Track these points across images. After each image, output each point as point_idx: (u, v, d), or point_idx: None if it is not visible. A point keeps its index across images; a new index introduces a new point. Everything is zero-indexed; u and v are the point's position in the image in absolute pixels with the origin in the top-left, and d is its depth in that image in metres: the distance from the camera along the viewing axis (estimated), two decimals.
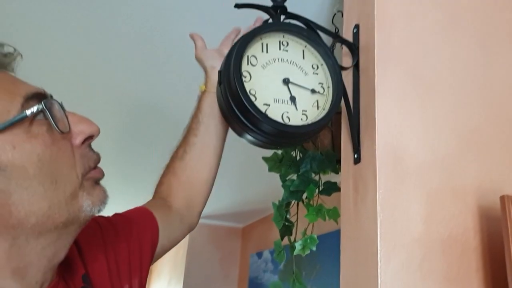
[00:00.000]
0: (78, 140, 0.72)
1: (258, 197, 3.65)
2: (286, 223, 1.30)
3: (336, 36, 1.10)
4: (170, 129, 2.18)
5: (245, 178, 3.26)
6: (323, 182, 1.25)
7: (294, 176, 1.27)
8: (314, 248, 1.18)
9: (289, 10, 1.04)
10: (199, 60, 1.15)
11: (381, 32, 1.04)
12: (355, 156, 1.01)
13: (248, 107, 0.89)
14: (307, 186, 1.20)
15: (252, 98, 0.92)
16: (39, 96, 0.69)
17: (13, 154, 0.63)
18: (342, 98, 1.02)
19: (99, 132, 0.74)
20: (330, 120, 0.98)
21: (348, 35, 1.15)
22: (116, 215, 1.02)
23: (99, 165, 0.76)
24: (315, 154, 1.25)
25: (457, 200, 0.98)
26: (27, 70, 0.75)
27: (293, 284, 1.28)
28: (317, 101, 0.98)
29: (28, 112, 0.65)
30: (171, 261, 4.62)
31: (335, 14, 1.44)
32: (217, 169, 1.15)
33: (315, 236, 1.18)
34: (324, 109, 0.98)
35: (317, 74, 1.00)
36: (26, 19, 1.74)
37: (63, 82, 2.17)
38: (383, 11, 1.05)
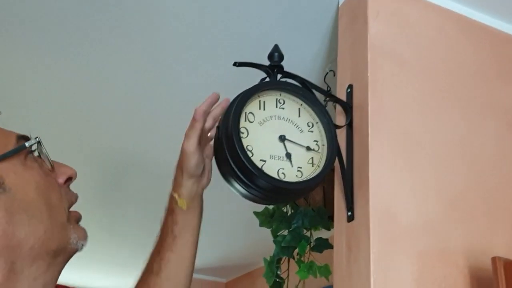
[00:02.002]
0: (61, 179, 0.80)
1: (242, 251, 3.61)
2: (277, 279, 1.29)
3: (331, 95, 1.14)
4: (154, 183, 2.18)
5: (229, 231, 3.23)
6: (314, 238, 1.25)
7: (285, 232, 1.27)
8: None
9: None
10: (188, 155, 0.95)
11: (374, 93, 1.07)
12: (349, 214, 1.02)
13: (246, 162, 0.91)
14: (299, 242, 1.20)
15: (249, 154, 0.93)
16: (27, 138, 0.77)
17: (15, 178, 0.71)
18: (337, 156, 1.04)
19: (76, 175, 0.83)
20: (325, 177, 1.00)
21: (341, 94, 1.18)
22: None
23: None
24: (307, 210, 1.26)
25: (447, 261, 0.99)
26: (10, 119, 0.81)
27: None
28: (312, 158, 1.00)
29: (27, 144, 0.74)
30: None
31: (327, 73, 1.49)
32: (192, 272, 1.10)
33: None
34: (319, 166, 0.99)
35: (312, 132, 1.02)
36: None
37: (44, 134, 2.17)
38: (376, 73, 1.09)
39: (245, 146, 0.93)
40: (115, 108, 1.99)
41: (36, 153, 0.77)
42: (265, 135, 0.97)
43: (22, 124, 0.93)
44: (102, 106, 1.99)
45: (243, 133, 0.95)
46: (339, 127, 1.11)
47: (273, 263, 1.27)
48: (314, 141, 1.02)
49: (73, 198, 0.81)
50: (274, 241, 1.25)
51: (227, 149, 0.94)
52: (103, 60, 1.70)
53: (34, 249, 0.70)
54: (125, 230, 3.38)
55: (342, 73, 1.23)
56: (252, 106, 0.99)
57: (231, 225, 3.17)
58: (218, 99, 0.98)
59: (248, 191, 0.96)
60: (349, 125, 1.11)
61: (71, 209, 0.81)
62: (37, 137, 0.77)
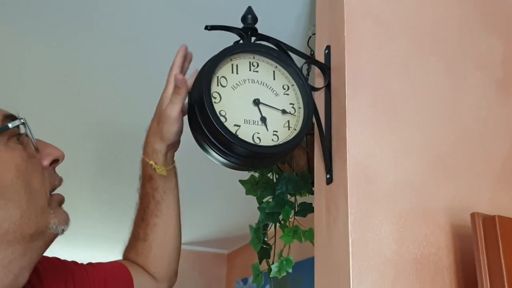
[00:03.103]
0: (46, 161, 0.78)
1: (243, 222, 3.62)
2: (264, 246, 1.28)
3: (307, 57, 1.11)
4: None
5: (229, 203, 3.24)
6: (299, 203, 1.25)
7: (270, 198, 1.26)
8: (290, 270, 1.16)
9: (263, 32, 1.05)
10: (171, 121, 0.96)
11: (351, 53, 1.05)
12: (327, 176, 1.01)
13: (218, 128, 0.89)
14: (282, 208, 1.19)
15: (222, 119, 0.91)
16: (15, 118, 0.75)
17: None
18: (314, 119, 1.03)
19: (63, 156, 0.80)
20: (301, 140, 0.98)
21: (319, 56, 1.16)
22: (90, 264, 1.03)
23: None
24: (291, 175, 1.25)
25: (429, 220, 0.98)
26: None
27: None
28: (288, 122, 0.98)
29: (10, 125, 0.72)
30: None
31: (310, 37, 1.46)
32: (180, 228, 1.12)
33: (291, 258, 1.17)
34: (295, 130, 0.98)
35: (288, 94, 1.00)
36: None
37: (44, 110, 2.16)
38: (352, 33, 1.06)
39: (217, 112, 0.91)
40: (111, 79, 1.98)
41: (23, 133, 0.76)
42: (238, 99, 0.96)
43: (16, 103, 0.92)
44: (98, 78, 1.97)
45: (215, 98, 0.93)
46: (317, 89, 1.09)
47: (259, 230, 1.26)
48: (290, 104, 1.00)
49: (57, 181, 0.80)
50: (259, 208, 1.24)
51: (199, 116, 0.92)
52: (93, 32, 1.68)
53: (9, 233, 0.69)
54: (124, 205, 3.40)
55: (320, 34, 1.20)
56: (224, 70, 0.96)
57: (231, 197, 3.18)
58: (186, 50, 1.01)
59: (224, 158, 0.95)
60: (327, 87, 1.09)
61: (54, 192, 0.79)
62: (21, 118, 0.75)
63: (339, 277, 0.91)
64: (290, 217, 1.20)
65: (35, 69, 1.90)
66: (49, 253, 0.84)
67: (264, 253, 1.28)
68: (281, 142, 0.95)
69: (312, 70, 1.39)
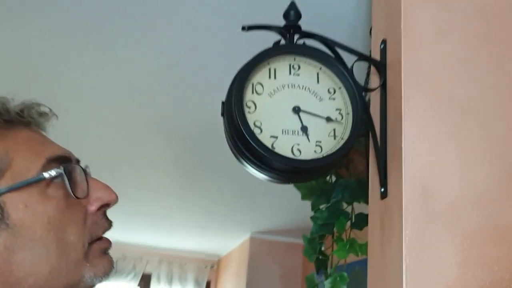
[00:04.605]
0: (94, 206, 0.72)
1: None
2: (320, 257, 1.19)
3: (361, 54, 0.99)
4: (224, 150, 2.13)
5: None
6: (356, 214, 1.14)
7: (324, 207, 1.16)
8: (344, 287, 1.07)
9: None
10: None
11: (408, 47, 0.92)
12: (382, 190, 0.90)
13: (251, 142, 0.81)
14: (337, 219, 1.09)
15: (257, 131, 0.83)
16: (63, 159, 0.70)
17: (24, 213, 0.64)
18: (367, 125, 0.92)
19: (117, 200, 0.74)
20: (349, 151, 0.88)
21: (376, 52, 1.03)
22: None
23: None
24: (348, 182, 1.14)
25: (502, 240, 0.84)
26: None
27: None
28: (334, 130, 0.88)
29: (46, 174, 0.66)
30: (234, 274, 4.60)
31: (370, 29, 1.33)
32: None
33: (345, 275, 1.07)
34: (342, 139, 0.87)
35: (334, 99, 0.90)
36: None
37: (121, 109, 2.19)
38: (410, 24, 0.93)
39: (252, 123, 0.84)
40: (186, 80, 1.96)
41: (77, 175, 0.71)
42: (276, 107, 0.87)
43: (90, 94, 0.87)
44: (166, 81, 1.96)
45: (249, 107, 0.85)
46: (371, 90, 0.97)
47: (315, 240, 1.17)
48: (337, 109, 0.90)
49: (100, 231, 0.72)
50: (312, 218, 1.15)
51: (231, 128, 0.85)
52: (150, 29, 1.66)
53: (34, 287, 0.64)
54: (202, 203, 3.42)
55: (376, 26, 1.07)
56: (260, 76, 0.88)
57: None
58: None
59: (261, 173, 0.87)
60: (383, 88, 0.97)
61: (102, 236, 0.73)
62: (67, 164, 0.69)
63: None
64: (346, 228, 1.10)
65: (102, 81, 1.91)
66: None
67: (321, 264, 1.19)
68: (325, 154, 0.85)
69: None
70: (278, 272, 3.89)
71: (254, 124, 0.84)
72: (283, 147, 0.84)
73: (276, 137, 0.84)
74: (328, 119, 0.88)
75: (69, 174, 0.69)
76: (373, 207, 0.93)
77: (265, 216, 3.61)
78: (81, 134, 2.50)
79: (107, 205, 0.73)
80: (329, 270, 1.19)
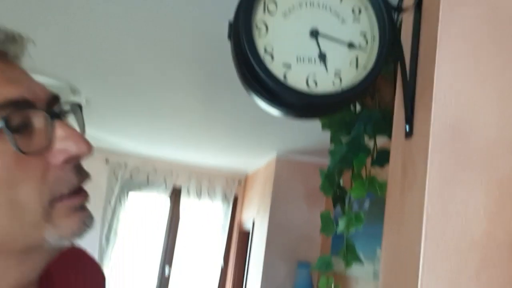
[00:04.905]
0: (57, 159, 0.60)
1: None
2: (338, 192, 1.12)
3: None
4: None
5: None
6: (378, 149, 1.04)
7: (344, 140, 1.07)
8: (360, 228, 1.00)
9: None
10: None
11: None
12: (406, 128, 0.79)
13: (259, 71, 0.71)
14: (356, 155, 1.00)
15: (267, 59, 0.73)
16: (20, 104, 0.57)
17: None
18: (396, 52, 0.80)
19: (88, 151, 0.61)
20: (372, 83, 0.77)
21: None
22: None
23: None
24: (372, 112, 1.04)
25: None
26: None
27: (345, 257, 1.12)
28: (357, 58, 0.77)
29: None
30: (259, 192, 4.64)
31: None
32: None
33: (362, 214, 1.00)
34: (365, 69, 0.76)
35: (358, 21, 0.78)
36: None
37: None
38: None
39: (261, 48, 0.73)
40: None
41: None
42: (290, 30, 0.75)
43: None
44: None
45: (259, 29, 0.74)
46: (402, 10, 0.84)
47: (333, 175, 1.09)
48: (361, 33, 0.78)
49: (65, 187, 0.60)
50: (330, 152, 1.06)
51: (238, 54, 0.74)
52: None
53: None
54: (225, 121, 3.36)
55: None
56: None
57: None
58: None
59: (272, 107, 0.77)
60: (417, 8, 0.83)
61: (73, 193, 0.61)
62: (19, 111, 0.57)
63: (407, 258, 0.73)
64: (364, 165, 1.01)
65: None
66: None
67: (339, 199, 1.12)
68: (345, 88, 0.74)
69: None
70: (302, 192, 3.89)
71: (265, 49, 0.73)
72: (297, 78, 0.73)
73: (290, 66, 0.74)
74: (350, 45, 0.76)
75: (19, 123, 0.57)
76: (396, 146, 0.84)
77: (291, 136, 3.54)
78: (108, 55, 2.43)
79: (76, 158, 0.61)
80: (346, 206, 1.12)
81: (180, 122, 3.63)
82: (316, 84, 0.74)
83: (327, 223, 1.10)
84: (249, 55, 0.71)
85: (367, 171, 1.02)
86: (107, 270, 5.11)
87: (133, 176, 5.37)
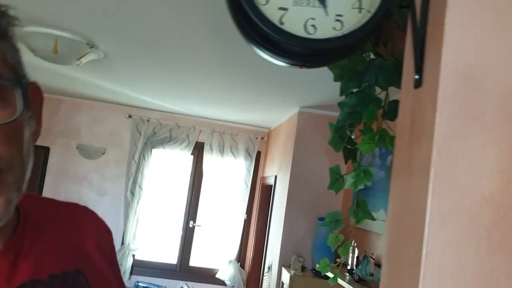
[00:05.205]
0: None
1: None
2: (349, 146, 1.07)
3: None
4: None
5: None
6: (390, 101, 0.98)
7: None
8: (369, 183, 0.95)
9: None
10: None
11: None
12: (416, 77, 0.73)
13: (252, 15, 0.65)
14: (366, 107, 0.94)
15: (261, 1, 0.67)
16: None
17: None
18: None
19: None
20: (376, 28, 0.70)
21: None
22: None
23: None
24: (384, 63, 0.97)
25: None
26: None
27: (355, 214, 1.08)
28: (360, 0, 0.70)
29: None
30: (281, 147, 4.60)
31: None
32: None
33: (371, 170, 0.95)
34: (369, 12, 0.70)
35: None
36: None
37: None
38: None
39: None
40: None
41: None
42: None
43: None
44: None
45: None
46: None
47: (343, 128, 1.04)
48: None
49: None
50: (339, 104, 1.00)
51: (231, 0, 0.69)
52: None
53: None
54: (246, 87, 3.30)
55: None
56: None
57: None
58: None
59: (272, 57, 0.72)
60: None
61: None
62: None
63: (412, 217, 0.69)
64: (376, 119, 0.95)
65: None
66: None
67: (350, 153, 1.07)
68: (346, 32, 0.69)
69: None
70: (324, 146, 3.83)
71: None
72: (294, 23, 0.68)
73: (286, 9, 0.68)
74: None
75: None
76: (405, 97, 0.78)
77: (313, 89, 3.46)
78: (127, 8, 2.37)
79: None
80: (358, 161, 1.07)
81: (201, 77, 3.57)
82: (315, 29, 0.68)
83: (336, 178, 1.06)
84: None
85: (378, 124, 0.96)
86: (132, 222, 5.22)
87: (156, 131, 5.39)
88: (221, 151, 5.52)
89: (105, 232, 0.87)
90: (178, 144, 5.47)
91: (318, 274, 3.55)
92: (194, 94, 4.26)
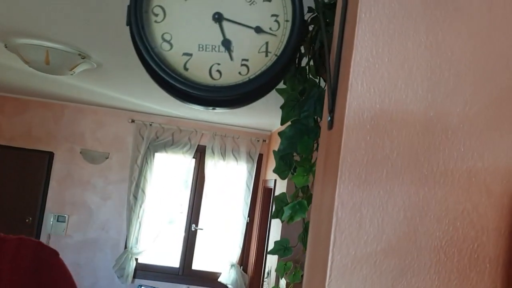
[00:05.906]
0: None
1: None
2: (293, 174, 1.06)
3: None
4: None
5: None
6: None
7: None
8: (304, 216, 0.94)
9: None
10: None
11: None
12: (328, 119, 0.72)
13: (152, 64, 0.65)
14: (301, 138, 0.93)
15: (165, 47, 0.67)
16: None
17: None
18: (320, 35, 0.72)
19: None
20: (284, 69, 0.69)
21: None
22: None
23: None
24: (323, 92, 0.96)
25: (471, 186, 0.66)
26: None
27: (304, 240, 1.07)
28: (267, 44, 0.69)
29: None
30: None
31: None
32: None
33: (305, 203, 0.94)
34: (276, 55, 0.69)
35: (269, 1, 0.70)
36: None
37: None
38: None
39: (159, 36, 0.67)
40: None
41: None
42: (191, 14, 0.68)
43: None
44: None
45: (157, 15, 0.67)
46: None
47: (288, 156, 1.03)
48: (272, 16, 0.70)
49: None
50: (279, 134, 0.99)
51: (134, 45, 0.68)
52: None
53: None
54: None
55: None
56: None
57: None
58: None
59: (180, 100, 0.71)
60: None
61: None
62: None
63: (319, 264, 0.68)
64: (313, 150, 0.94)
65: None
66: None
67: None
68: (252, 77, 0.68)
69: None
70: None
71: (163, 37, 0.67)
72: (199, 68, 0.67)
73: (191, 55, 0.67)
74: (259, 30, 0.68)
75: None
76: (322, 136, 0.76)
77: None
78: (120, 22, 2.37)
79: None
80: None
81: None
82: (220, 74, 0.67)
83: (282, 207, 1.05)
84: (140, 47, 0.65)
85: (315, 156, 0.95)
86: (135, 226, 5.25)
87: (158, 135, 5.41)
88: (223, 154, 5.52)
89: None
90: (180, 147, 5.48)
91: None
92: None
